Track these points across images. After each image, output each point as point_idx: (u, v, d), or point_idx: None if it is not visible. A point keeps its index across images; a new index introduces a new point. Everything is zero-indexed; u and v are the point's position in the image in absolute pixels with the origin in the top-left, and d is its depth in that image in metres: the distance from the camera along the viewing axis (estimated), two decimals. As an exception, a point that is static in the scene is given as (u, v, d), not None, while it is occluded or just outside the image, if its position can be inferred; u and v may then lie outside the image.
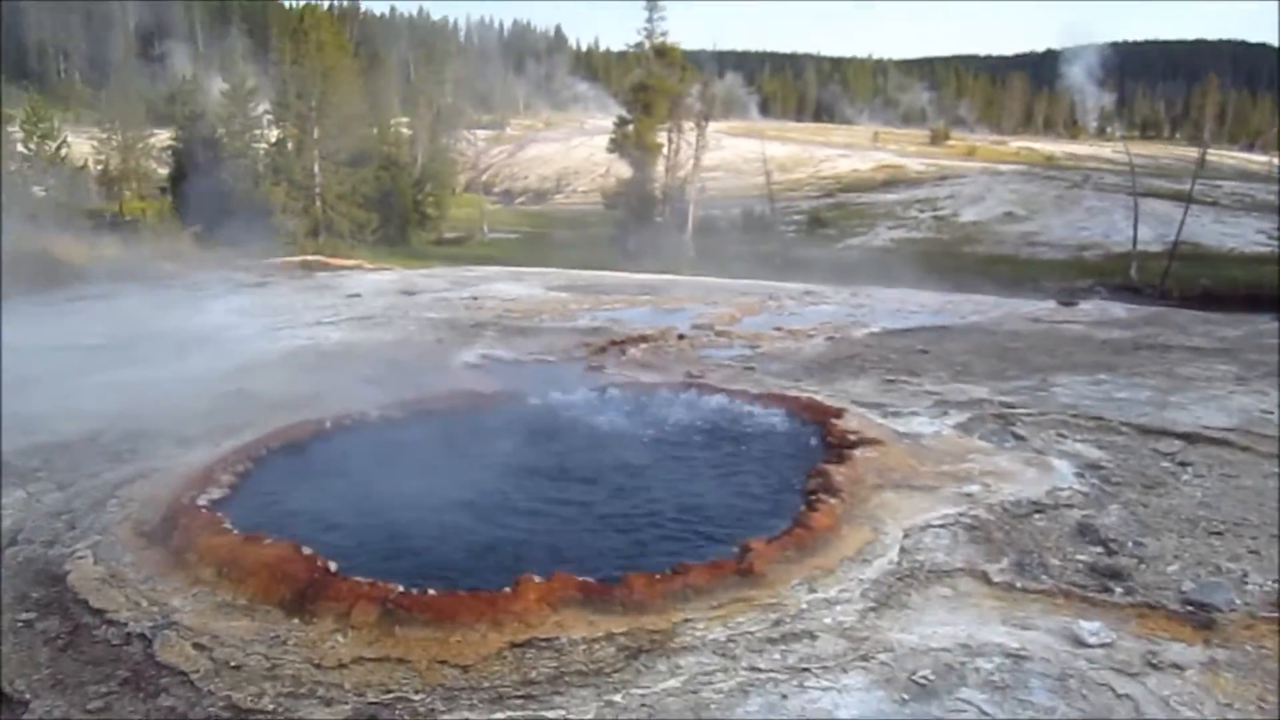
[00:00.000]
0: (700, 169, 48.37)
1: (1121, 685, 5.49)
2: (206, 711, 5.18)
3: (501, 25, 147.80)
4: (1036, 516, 7.77)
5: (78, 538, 7.33)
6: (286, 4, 62.63)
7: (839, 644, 5.86)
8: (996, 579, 6.68)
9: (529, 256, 34.55)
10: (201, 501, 7.59)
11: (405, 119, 59.02)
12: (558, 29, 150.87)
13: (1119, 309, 19.31)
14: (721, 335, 15.37)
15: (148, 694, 5.37)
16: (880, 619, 6.17)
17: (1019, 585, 6.61)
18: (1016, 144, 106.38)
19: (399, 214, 45.37)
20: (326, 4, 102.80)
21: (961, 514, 7.68)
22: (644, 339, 14.79)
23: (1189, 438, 9.85)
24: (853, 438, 9.08)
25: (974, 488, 8.14)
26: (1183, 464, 9.13)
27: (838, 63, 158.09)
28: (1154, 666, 5.67)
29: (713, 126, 48.55)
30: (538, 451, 9.13)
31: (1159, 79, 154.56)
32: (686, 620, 5.98)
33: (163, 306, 20.91)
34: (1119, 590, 6.55)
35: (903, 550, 7.06)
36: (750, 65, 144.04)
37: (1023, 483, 8.32)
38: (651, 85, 44.67)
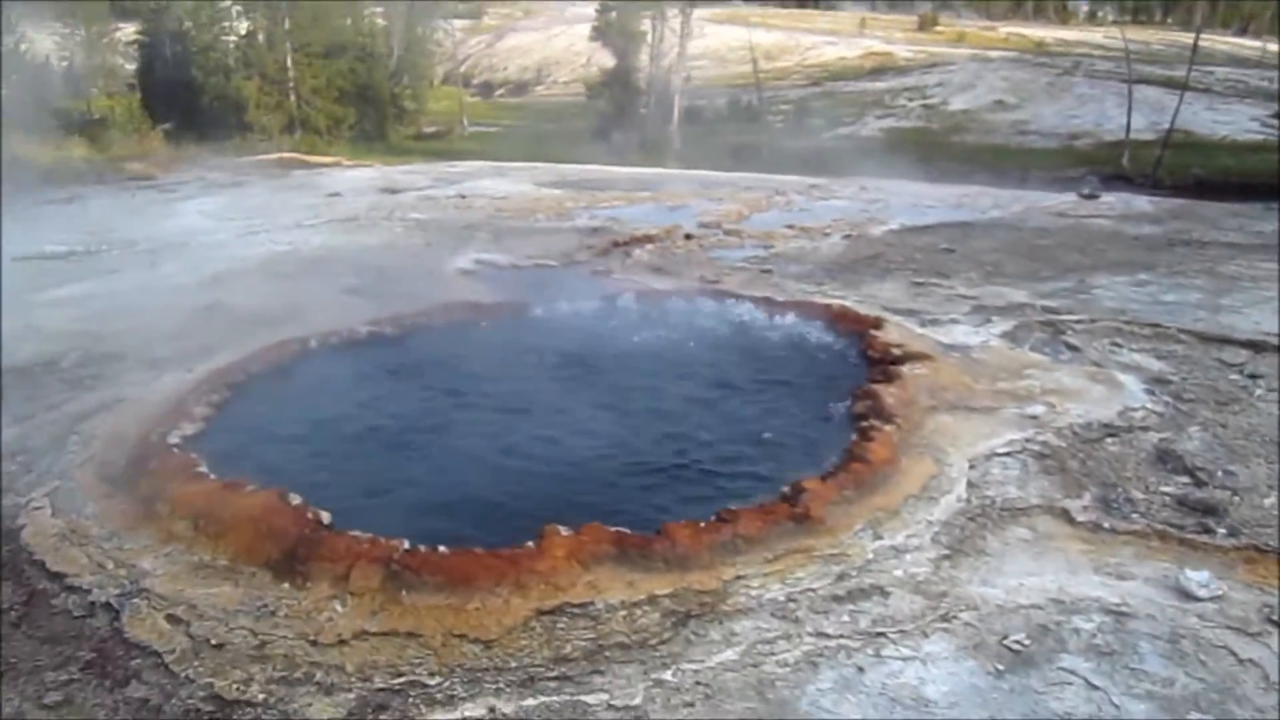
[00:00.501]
0: (685, 57, 46.68)
1: (1243, 648, 4.75)
2: (185, 704, 4.37)
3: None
4: (1110, 441, 6.97)
5: (34, 484, 6.43)
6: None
7: (915, 602, 5.08)
8: (1080, 518, 5.90)
9: (512, 151, 33.11)
10: (173, 439, 6.69)
11: (379, 8, 56.63)
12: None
13: (1143, 202, 18.34)
14: (731, 234, 14.38)
15: (115, 681, 4.55)
16: (957, 569, 5.39)
17: (1106, 525, 5.83)
18: (1006, 30, 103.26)
19: (376, 108, 43.71)
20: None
21: (1029, 439, 6.87)
22: (649, 239, 13.80)
23: (1254, 346, 9.04)
24: (897, 351, 8.22)
25: (1038, 408, 7.32)
26: (1253, 376, 8.34)
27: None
28: (1276, 624, 4.93)
29: (696, 13, 46.66)
30: (548, 372, 8.22)
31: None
32: (739, 577, 5.18)
33: (131, 210, 19.74)
34: (1221, 530, 5.78)
35: (970, 485, 6.26)
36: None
37: (1090, 401, 7.50)
38: (637, -31, 42.74)
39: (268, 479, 6.02)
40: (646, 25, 43.94)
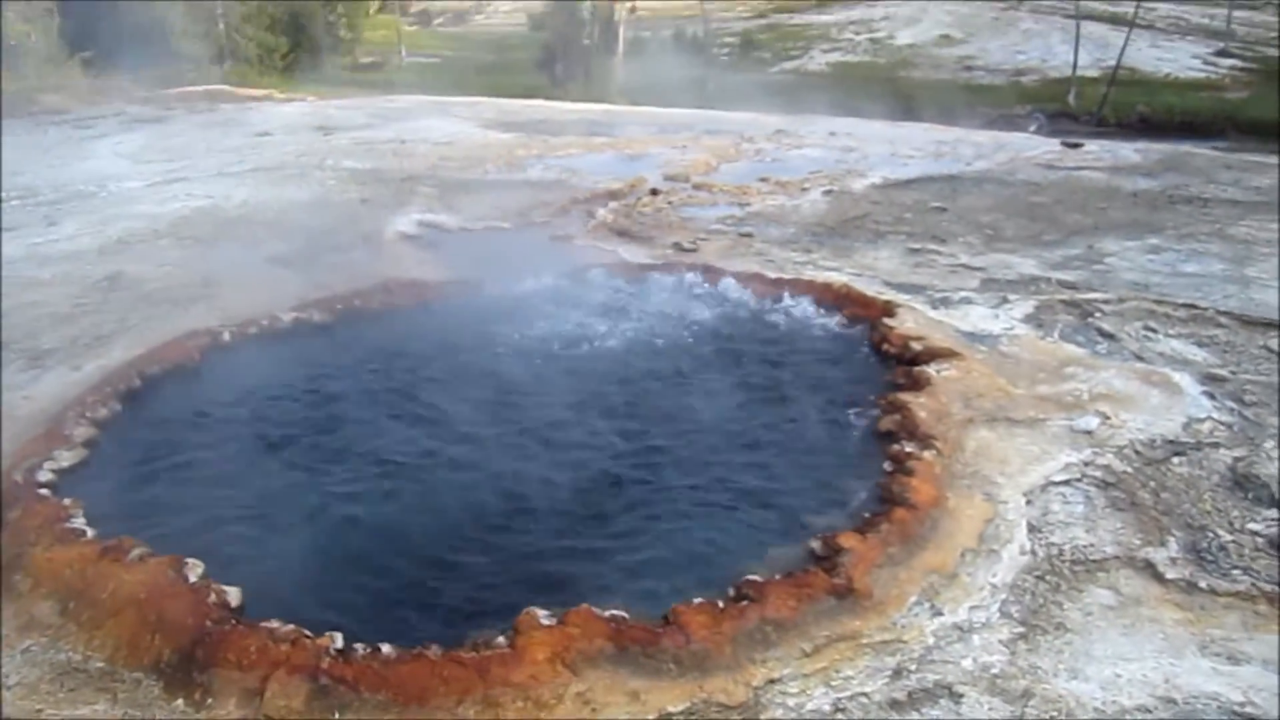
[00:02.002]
0: (631, -14, 45.17)
1: None
2: None
3: None
4: (1177, 461, 5.92)
5: None
6: None
7: (994, 708, 3.99)
8: (1170, 574, 4.84)
9: (452, 84, 31.26)
10: (43, 476, 5.33)
11: (313, -69, 53.77)
12: None
13: (1128, 150, 17.31)
14: (701, 189, 13.08)
15: None
16: (1036, 655, 4.31)
17: (1203, 584, 4.78)
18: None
19: (310, 37, 41.36)
20: None
21: (1087, 463, 5.79)
22: (612, 195, 12.47)
23: (1303, 330, 8.06)
24: (917, 346, 7.07)
25: (1091, 421, 6.23)
26: (1310, 369, 7.36)
27: None
28: None
29: (640, -55, 45.04)
30: (509, 379, 6.89)
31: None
32: (772, 681, 4.04)
33: (40, 150, 17.84)
34: (1337, 588, 4.78)
35: (1032, 528, 5.17)
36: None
37: (1149, 411, 6.43)
38: (579, -109, 40.90)
39: (162, 537, 4.74)
40: (590, -47, 42.31)
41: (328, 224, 10.96)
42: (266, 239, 10.41)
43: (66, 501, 5.03)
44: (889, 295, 8.52)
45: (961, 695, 4.06)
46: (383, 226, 10.77)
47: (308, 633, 4.10)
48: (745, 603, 4.30)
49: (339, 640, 4.08)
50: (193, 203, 12.68)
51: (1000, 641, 4.38)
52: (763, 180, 13.65)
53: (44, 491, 5.17)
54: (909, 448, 5.62)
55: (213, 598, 4.29)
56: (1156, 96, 38.46)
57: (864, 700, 4.00)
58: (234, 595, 4.37)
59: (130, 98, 27.09)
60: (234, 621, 4.21)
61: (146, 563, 4.50)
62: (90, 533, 4.79)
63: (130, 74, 31.06)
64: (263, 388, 6.63)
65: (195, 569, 4.48)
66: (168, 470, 5.61)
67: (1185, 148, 18.44)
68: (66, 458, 5.56)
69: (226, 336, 7.32)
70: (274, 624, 4.15)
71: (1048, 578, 4.83)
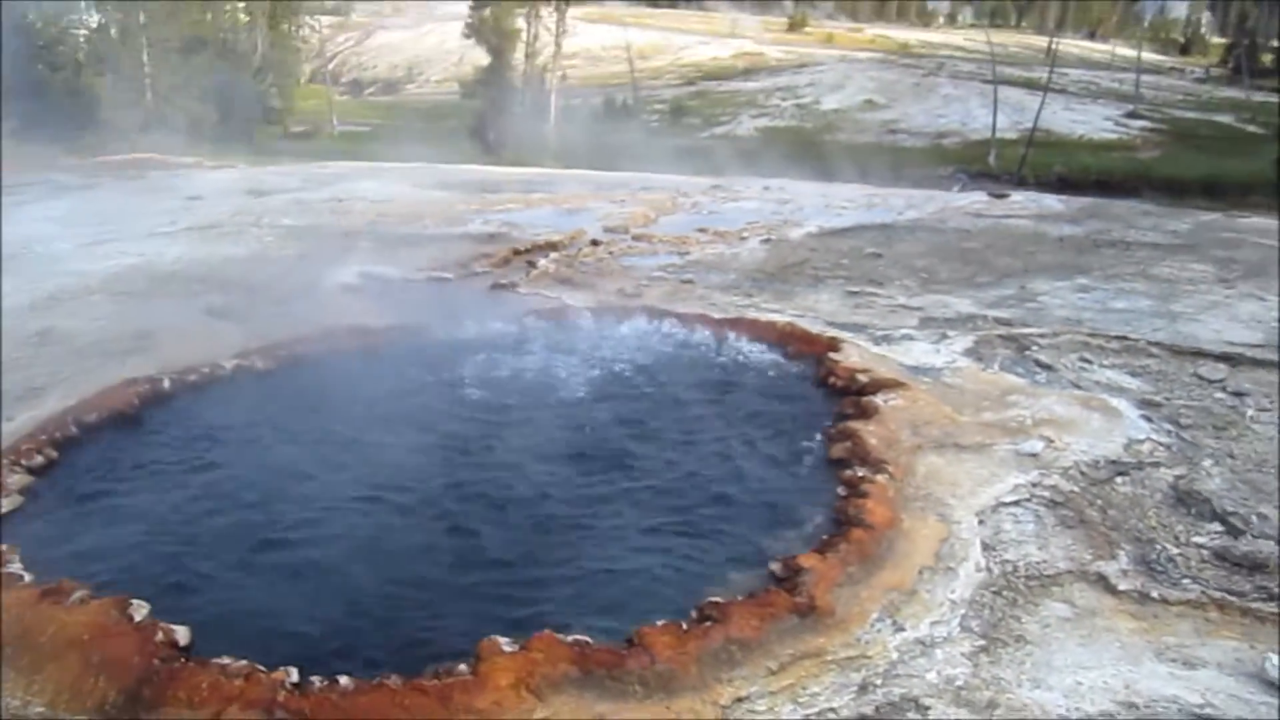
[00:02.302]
0: (561, 56, 45.97)
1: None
2: None
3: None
4: (1121, 481, 6.06)
5: None
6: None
7: (960, 718, 3.99)
8: (1122, 585, 4.92)
9: (385, 151, 31.34)
10: (-24, 523, 5.13)
11: (242, 3, 53.88)
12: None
13: (1051, 200, 17.97)
14: (640, 240, 13.21)
15: None
16: (998, 666, 4.33)
17: (1155, 594, 4.86)
18: (872, 32, 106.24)
19: (240, 107, 41.16)
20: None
21: (1035, 484, 5.90)
22: (552, 246, 12.53)
23: (1228, 359, 8.33)
24: (863, 378, 7.17)
25: (1035, 445, 6.35)
26: (1238, 394, 7.60)
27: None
28: (1389, 720, 4.04)
29: (569, 12, 45.88)
30: (458, 417, 6.84)
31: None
32: (740, 699, 4.00)
33: (-38, 218, 17.35)
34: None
35: (986, 547, 5.23)
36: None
37: (1090, 434, 6.58)
38: (509, -36, 41.82)
39: (104, 580, 4.57)
40: (521, 23, 43.07)
41: (266, 278, 10.82)
42: (203, 293, 10.23)
43: (3, 546, 4.83)
44: (832, 334, 8.65)
45: (928, 708, 4.05)
46: (323, 278, 10.66)
47: (261, 667, 3.96)
48: (709, 623, 4.27)
49: (294, 674, 3.95)
50: (125, 260, 12.43)
51: (962, 654, 4.39)
52: (701, 231, 13.85)
53: (-23, 540, 4.95)
54: (861, 472, 5.67)
55: (160, 636, 4.14)
56: (1073, 157, 40.19)
57: (832, 716, 3.98)
58: (182, 634, 4.21)
59: (56, 166, 26.60)
60: (183, 660, 4.05)
61: (88, 604, 4.33)
62: (28, 577, 4.60)
63: (57, 143, 30.65)
64: (204, 433, 6.46)
65: (140, 609, 4.32)
66: (107, 515, 5.43)
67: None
68: (4, 503, 5.35)
69: (166, 384, 7.14)
70: (225, 661, 4.01)
71: (1004, 593, 4.87)
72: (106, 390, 6.95)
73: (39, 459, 5.92)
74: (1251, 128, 53.39)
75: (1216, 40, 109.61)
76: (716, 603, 4.39)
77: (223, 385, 7.37)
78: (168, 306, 9.71)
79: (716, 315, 8.99)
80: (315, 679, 3.94)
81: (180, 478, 5.86)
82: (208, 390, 7.25)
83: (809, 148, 37.34)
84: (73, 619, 4.25)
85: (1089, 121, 56.68)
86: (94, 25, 38.23)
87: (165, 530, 5.28)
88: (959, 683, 4.21)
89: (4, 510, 5.37)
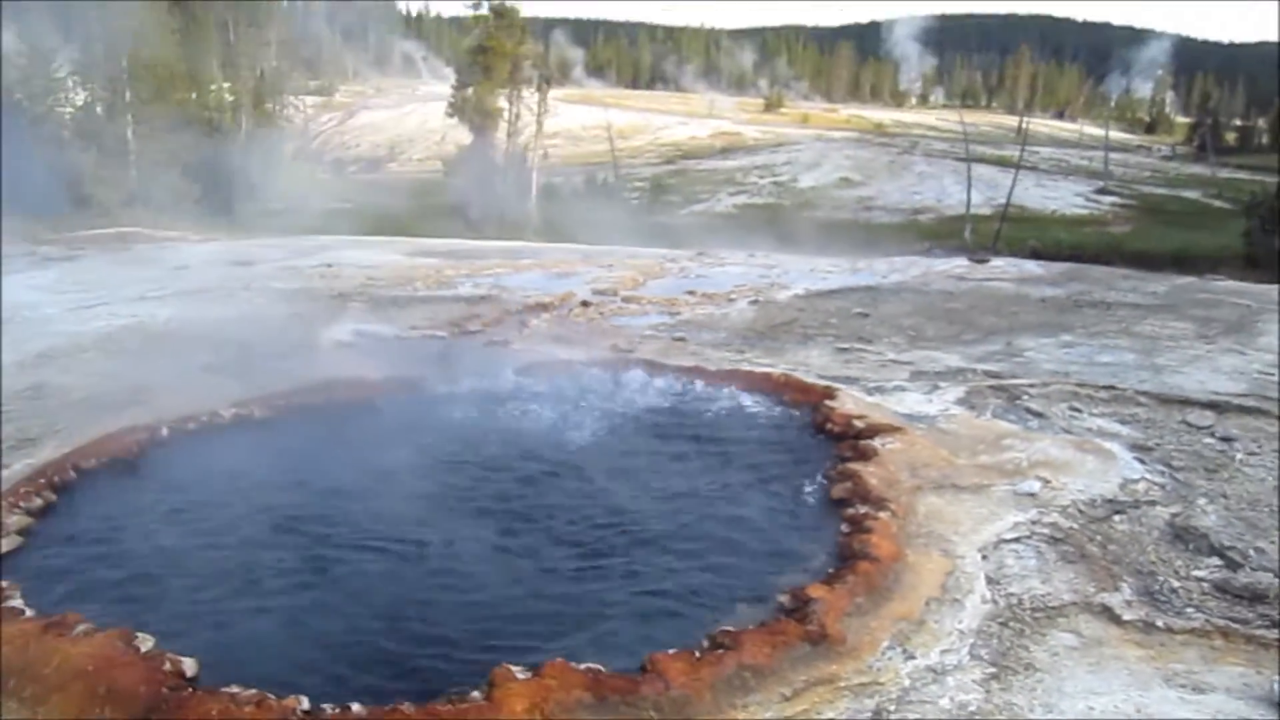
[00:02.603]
0: (543, 135, 46.77)
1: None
2: None
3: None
4: (1118, 518, 6.13)
5: None
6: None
7: (976, 742, 3.99)
8: (1127, 616, 4.95)
9: (369, 227, 31.60)
10: (-24, 562, 5.08)
11: (227, 83, 54.69)
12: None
13: (1032, 265, 18.31)
14: (630, 301, 13.34)
15: None
16: (1010, 692, 4.34)
17: (1160, 624, 4.90)
18: (847, 112, 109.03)
19: (223, 183, 41.50)
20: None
21: (1034, 521, 5.96)
22: (544, 307, 12.62)
23: (1215, 407, 8.46)
24: (860, 424, 7.24)
25: (1033, 485, 6.42)
26: (1226, 439, 7.71)
27: (671, 31, 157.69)
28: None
29: (550, 93, 46.83)
30: (461, 462, 6.85)
31: (974, 51, 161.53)
32: (755, 724, 3.99)
33: (-56, 287, 17.32)
34: (1283, 620, 4.94)
35: (990, 580, 5.26)
36: (585, 33, 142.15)
37: (1086, 475, 6.66)
38: (491, 47, 42.81)
39: (108, 615, 4.52)
40: (503, 103, 43.85)
41: (260, 336, 10.83)
42: (197, 350, 10.22)
43: (4, 583, 4.78)
44: (835, 387, 8.74)
45: (943, 732, 4.05)
46: (318, 336, 10.70)
47: (272, 695, 3.92)
48: (721, 651, 4.26)
49: (305, 703, 3.92)
50: (116, 321, 12.43)
51: (974, 681, 4.40)
52: (690, 293, 14.01)
53: (-23, 577, 4.90)
54: (864, 510, 5.71)
55: (167, 666, 4.09)
56: (1046, 232, 41.10)
57: (847, 740, 3.97)
58: (189, 665, 4.17)
59: (39, 239, 26.64)
60: (191, 690, 4.01)
61: (93, 636, 4.28)
62: (30, 612, 4.55)
63: (40, 218, 30.73)
64: (203, 478, 6.44)
65: (146, 642, 4.28)
66: (108, 555, 5.38)
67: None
68: (3, 543, 5.30)
69: (165, 432, 7.13)
70: (234, 689, 3.97)
71: (1011, 624, 4.90)
72: (105, 437, 6.93)
73: (38, 501, 5.88)
74: (1218, 203, 54.80)
75: (1181, 119, 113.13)
76: (728, 631, 4.40)
77: (222, 433, 7.37)
78: (162, 363, 9.70)
79: (712, 367, 9.08)
80: (326, 706, 3.90)
81: (179, 519, 5.82)
82: (207, 437, 7.24)
83: (788, 223, 37.94)
84: (78, 650, 4.20)
85: (1061, 197, 58.09)
86: (79, 103, 38.57)
87: (165, 568, 5.23)
88: (972, 708, 4.22)
89: (3, 550, 5.31)
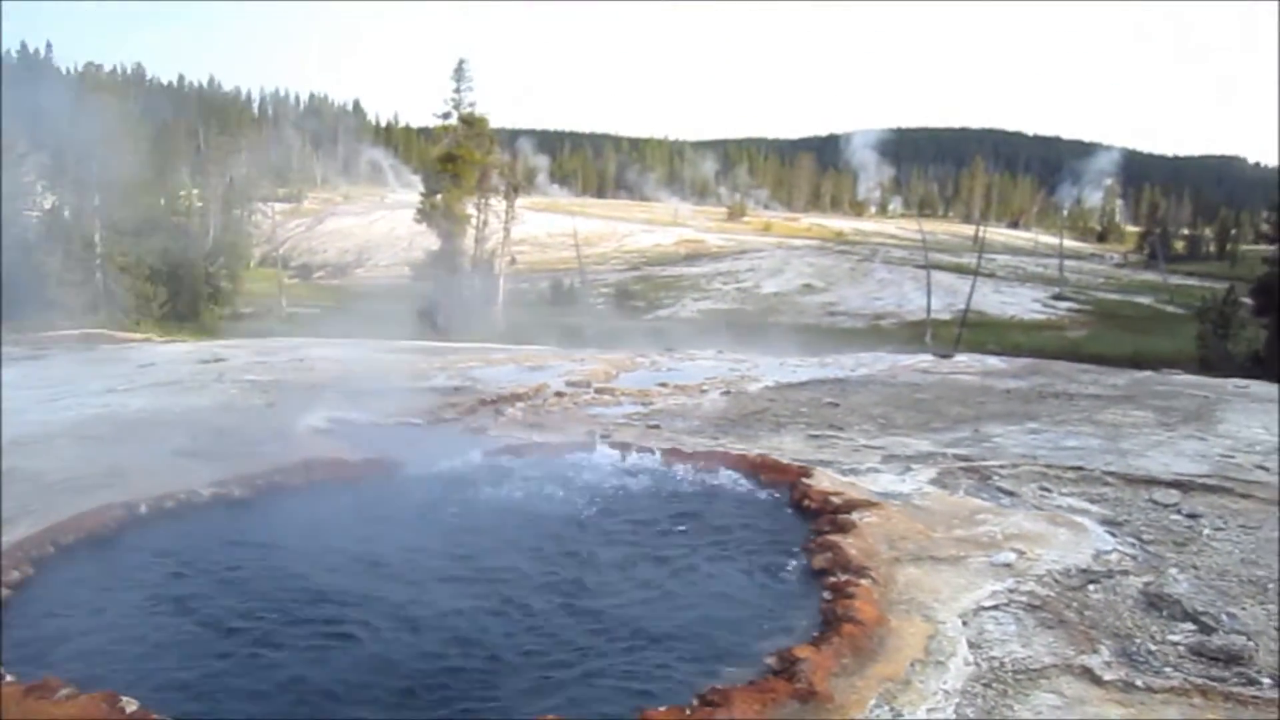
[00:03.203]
0: (509, 241, 47.52)
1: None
2: None
3: (298, 98, 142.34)
4: (1093, 587, 6.23)
5: None
6: (63, 69, 57.92)
7: (966, 796, 4.01)
8: (1108, 676, 5.02)
9: (336, 330, 31.73)
10: (-48, 632, 5.00)
11: (196, 190, 55.35)
12: (356, 103, 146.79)
13: (994, 360, 18.75)
14: (604, 393, 13.48)
15: None
16: (997, 749, 4.38)
17: (1139, 683, 4.97)
18: (808, 220, 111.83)
19: (189, 287, 41.60)
20: (109, 68, 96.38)
21: (1012, 590, 6.05)
22: (518, 397, 12.73)
23: (1179, 486, 8.68)
24: (836, 499, 7.35)
25: (1009, 556, 6.54)
26: (1192, 516, 7.89)
27: (635, 142, 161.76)
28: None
29: (517, 200, 47.83)
30: (440, 540, 6.86)
31: (930, 162, 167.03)
32: (747, 779, 4.00)
33: (-94, 386, 17.10)
34: (1266, 680, 5.03)
35: (971, 645, 5.32)
36: (550, 143, 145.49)
37: (1059, 546, 6.79)
38: (460, 155, 43.71)
39: (90, 681, 4.46)
40: (471, 209, 44.57)
41: (234, 423, 10.83)
42: (171, 437, 10.18)
43: (-17, 652, 4.71)
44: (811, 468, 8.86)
45: (932, 787, 4.07)
46: (293, 423, 10.70)
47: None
48: (712, 708, 4.28)
49: (294, 761, 3.88)
50: (86, 411, 12.34)
51: (961, 739, 4.44)
52: (662, 385, 14.19)
53: (-47, 646, 4.82)
54: (845, 578, 5.78)
55: (153, 728, 4.04)
56: (1004, 335, 42.05)
57: (840, 794, 3.98)
58: (176, 728, 4.12)
59: (2, 340, 26.49)
60: (177, 751, 3.96)
61: (77, 699, 4.23)
62: (10, 677, 4.48)
63: (2, 320, 30.59)
64: (180, 552, 6.39)
65: (130, 704, 4.23)
66: (86, 626, 5.31)
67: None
68: (-24, 616, 5.23)
69: (143, 509, 7.09)
70: (222, 750, 3.92)
71: (994, 685, 4.94)
72: (83, 514, 6.87)
73: (15, 574, 5.81)
74: (1170, 308, 56.46)
75: (1131, 228, 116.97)
76: (718, 689, 4.42)
77: (199, 511, 7.33)
78: (135, 448, 9.64)
79: (688, 450, 9.19)
80: (315, 764, 3.87)
81: (162, 594, 5.77)
82: (184, 515, 7.19)
83: (753, 328, 38.56)
84: (62, 712, 4.14)
85: (1018, 303, 59.58)
86: (47, 206, 38.79)
87: (143, 642, 5.17)
88: (960, 763, 4.25)
89: (-20, 622, 5.24)
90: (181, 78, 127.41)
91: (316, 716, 4.48)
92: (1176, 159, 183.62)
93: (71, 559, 6.27)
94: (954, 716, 4.60)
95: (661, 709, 4.27)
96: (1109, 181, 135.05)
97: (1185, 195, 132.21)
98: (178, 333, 34.05)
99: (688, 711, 4.26)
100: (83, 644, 5.11)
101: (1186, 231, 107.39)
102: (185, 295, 41.20)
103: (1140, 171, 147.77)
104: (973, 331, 40.13)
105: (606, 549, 6.77)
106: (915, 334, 41.82)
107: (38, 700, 4.21)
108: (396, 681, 4.79)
